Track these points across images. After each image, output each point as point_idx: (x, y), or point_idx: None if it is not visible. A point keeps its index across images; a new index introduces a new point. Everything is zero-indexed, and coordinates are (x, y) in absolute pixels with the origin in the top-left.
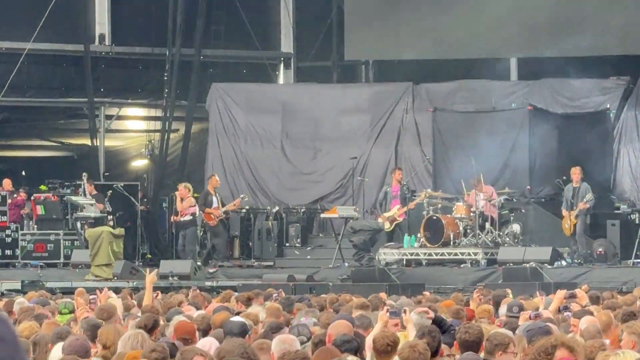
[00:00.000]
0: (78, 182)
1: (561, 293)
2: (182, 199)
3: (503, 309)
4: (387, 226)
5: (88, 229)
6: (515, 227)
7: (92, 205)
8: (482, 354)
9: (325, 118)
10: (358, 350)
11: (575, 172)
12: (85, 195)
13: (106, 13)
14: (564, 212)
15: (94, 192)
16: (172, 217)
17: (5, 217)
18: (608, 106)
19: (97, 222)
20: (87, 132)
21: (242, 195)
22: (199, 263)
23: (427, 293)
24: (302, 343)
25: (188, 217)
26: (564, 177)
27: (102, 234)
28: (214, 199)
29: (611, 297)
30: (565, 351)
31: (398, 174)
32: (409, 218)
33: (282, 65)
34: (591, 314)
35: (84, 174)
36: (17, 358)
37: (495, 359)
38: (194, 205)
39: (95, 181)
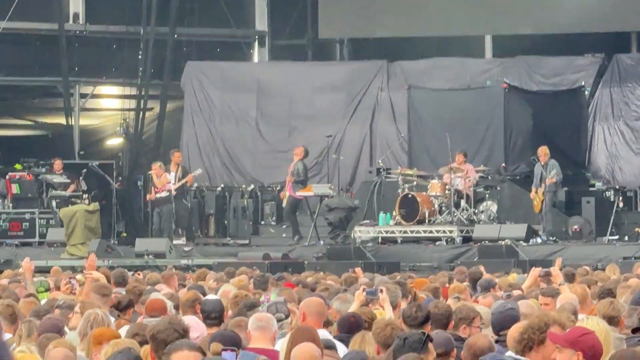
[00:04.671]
0: (53, 161)
1: (535, 271)
2: (157, 177)
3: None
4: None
5: (62, 208)
6: (491, 205)
7: (67, 183)
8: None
9: (300, 96)
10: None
11: (542, 153)
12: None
13: None
14: (532, 190)
15: (60, 170)
16: (147, 196)
17: None
18: (583, 83)
19: (72, 200)
20: (61, 111)
21: (196, 172)
22: (182, 241)
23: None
24: (279, 320)
25: (165, 193)
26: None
27: (76, 213)
28: (172, 174)
29: (586, 273)
30: (558, 328)
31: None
32: (382, 197)
33: (256, 43)
34: (558, 293)
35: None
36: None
37: (460, 332)
38: (170, 182)
39: (71, 160)
